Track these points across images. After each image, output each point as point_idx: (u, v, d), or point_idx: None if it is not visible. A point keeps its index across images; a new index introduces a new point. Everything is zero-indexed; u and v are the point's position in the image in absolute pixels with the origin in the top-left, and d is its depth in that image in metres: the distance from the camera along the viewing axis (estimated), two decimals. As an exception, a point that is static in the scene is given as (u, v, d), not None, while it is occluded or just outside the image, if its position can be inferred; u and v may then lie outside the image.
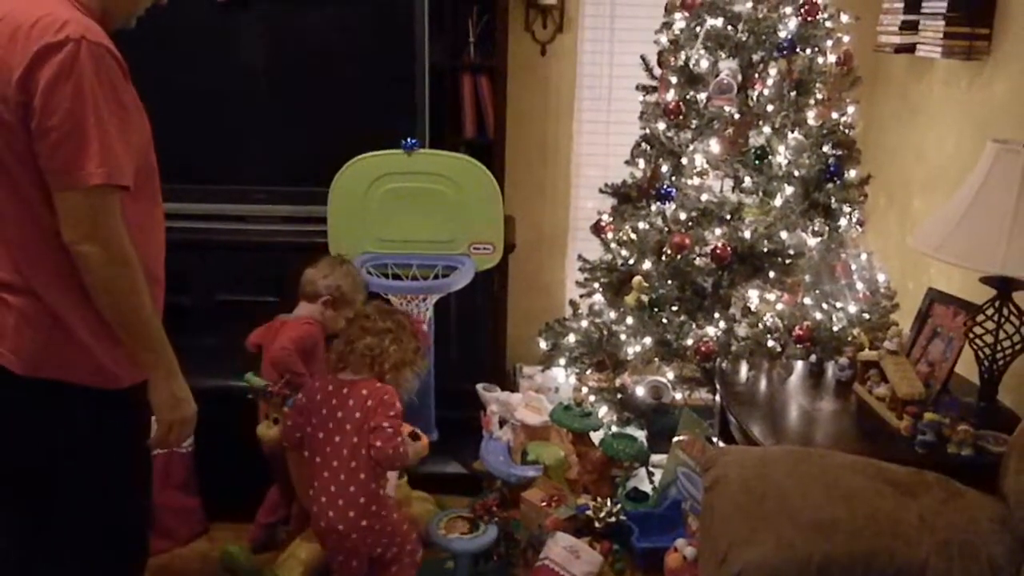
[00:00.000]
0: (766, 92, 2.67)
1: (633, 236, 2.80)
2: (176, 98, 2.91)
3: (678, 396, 2.82)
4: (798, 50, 2.63)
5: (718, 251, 2.59)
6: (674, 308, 2.70)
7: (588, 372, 2.91)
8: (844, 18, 2.72)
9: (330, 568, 2.23)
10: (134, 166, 1.50)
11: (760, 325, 2.64)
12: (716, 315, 2.68)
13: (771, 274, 2.64)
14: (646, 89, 2.92)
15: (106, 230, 1.44)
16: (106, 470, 1.60)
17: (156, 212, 1.64)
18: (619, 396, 2.86)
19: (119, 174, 1.44)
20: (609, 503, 2.38)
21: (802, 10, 2.62)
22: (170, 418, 1.58)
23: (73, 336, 1.51)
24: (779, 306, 2.67)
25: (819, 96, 2.66)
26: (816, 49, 2.66)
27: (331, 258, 2.62)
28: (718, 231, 2.65)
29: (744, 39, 2.66)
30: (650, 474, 2.67)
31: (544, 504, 2.47)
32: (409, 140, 2.77)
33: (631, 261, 2.81)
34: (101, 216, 1.44)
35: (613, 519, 2.34)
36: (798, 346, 2.55)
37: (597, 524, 2.33)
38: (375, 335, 2.17)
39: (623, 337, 2.78)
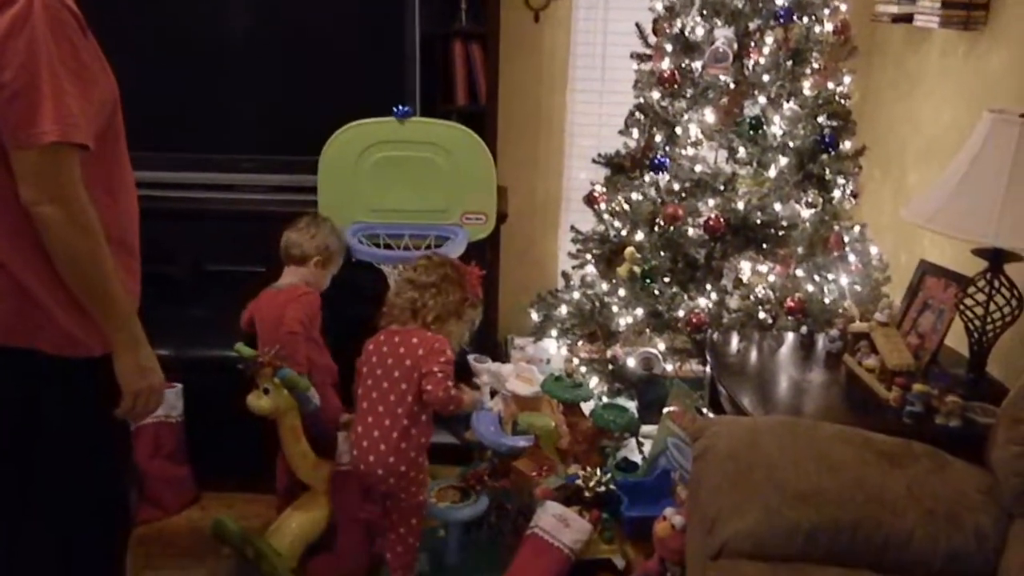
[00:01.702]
0: (762, 61, 2.63)
1: (626, 207, 2.79)
2: (164, 66, 2.87)
3: (669, 367, 2.82)
4: (795, 18, 2.60)
5: (711, 222, 2.58)
6: (666, 279, 2.69)
7: (579, 343, 2.91)
8: (842, -14, 2.69)
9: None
10: (95, 126, 1.45)
11: (752, 297, 2.63)
12: (708, 286, 2.67)
13: (764, 246, 2.64)
14: (640, 57, 2.89)
15: (64, 190, 1.40)
16: (82, 439, 1.59)
17: (125, 177, 1.59)
18: (610, 367, 2.86)
19: (75, 132, 1.39)
20: (599, 473, 2.39)
21: (799, -22, 2.59)
22: (136, 388, 1.55)
23: (41, 304, 1.48)
24: (771, 278, 2.67)
25: (815, 66, 2.63)
26: (813, 18, 2.63)
27: (309, 217, 2.58)
28: (711, 202, 2.64)
29: (740, 6, 2.62)
30: (640, 444, 2.68)
31: (534, 474, 2.48)
32: (401, 107, 2.72)
33: (623, 232, 2.80)
34: (59, 176, 1.39)
35: (603, 488, 2.35)
36: (789, 318, 2.55)
37: (587, 493, 2.34)
38: (417, 289, 2.24)
39: (615, 308, 2.77)
